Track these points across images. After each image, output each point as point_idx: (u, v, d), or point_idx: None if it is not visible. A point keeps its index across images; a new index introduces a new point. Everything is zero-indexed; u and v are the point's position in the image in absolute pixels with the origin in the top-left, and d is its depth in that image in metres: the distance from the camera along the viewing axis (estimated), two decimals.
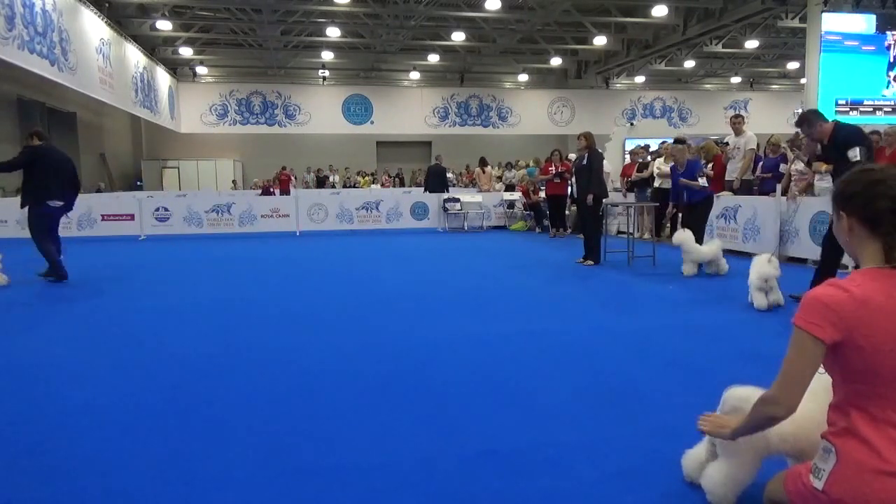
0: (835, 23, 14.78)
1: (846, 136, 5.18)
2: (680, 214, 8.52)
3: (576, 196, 8.59)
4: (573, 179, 8.69)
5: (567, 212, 12.50)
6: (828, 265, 5.25)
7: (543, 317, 5.25)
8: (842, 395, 1.81)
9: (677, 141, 8.94)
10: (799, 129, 5.51)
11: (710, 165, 9.89)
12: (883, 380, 1.73)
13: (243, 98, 28.35)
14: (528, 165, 15.48)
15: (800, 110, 5.79)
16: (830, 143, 5.29)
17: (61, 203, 7.12)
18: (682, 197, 7.78)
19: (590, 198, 8.16)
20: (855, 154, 5.05)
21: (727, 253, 8.31)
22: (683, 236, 7.11)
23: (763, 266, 5.28)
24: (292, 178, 23.71)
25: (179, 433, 2.84)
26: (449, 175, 25.17)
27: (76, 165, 7.64)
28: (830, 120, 5.50)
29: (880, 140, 8.49)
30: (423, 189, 15.94)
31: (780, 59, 27.39)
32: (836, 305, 1.73)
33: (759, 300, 5.30)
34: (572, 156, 13.22)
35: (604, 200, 8.46)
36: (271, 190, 21.02)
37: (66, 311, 5.69)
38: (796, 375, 1.79)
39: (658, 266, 7.77)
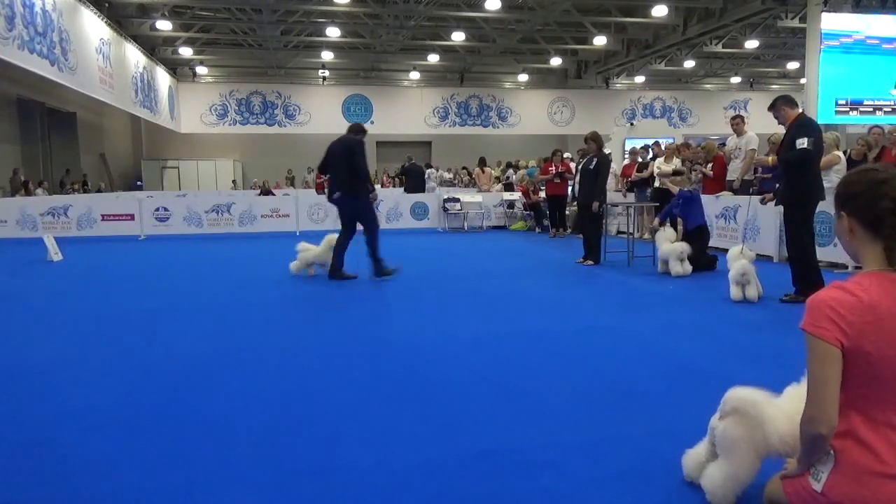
0: (880, 27, 14.85)
1: (801, 124, 5.51)
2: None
3: (577, 197, 8.53)
4: (576, 179, 8.61)
5: (567, 212, 12.50)
6: (809, 265, 5.53)
7: (543, 316, 5.25)
8: (841, 398, 1.77)
9: (676, 173, 8.98)
10: (770, 111, 5.84)
11: (710, 165, 9.91)
12: (885, 383, 1.72)
13: (243, 98, 28.32)
14: (527, 166, 15.49)
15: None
16: (789, 129, 5.59)
17: (339, 194, 6.93)
18: (677, 220, 8.16)
19: (595, 205, 8.06)
20: (802, 143, 5.34)
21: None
22: (659, 233, 7.51)
23: (739, 260, 5.64)
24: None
25: (179, 433, 2.84)
26: (449, 175, 25.27)
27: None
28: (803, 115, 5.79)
29: (882, 136, 8.45)
30: (402, 189, 16.54)
31: (780, 59, 27.37)
32: (844, 309, 1.70)
33: (734, 292, 5.62)
34: (567, 154, 13.24)
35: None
36: (271, 192, 21.00)
37: (65, 310, 5.68)
38: (822, 385, 1.71)
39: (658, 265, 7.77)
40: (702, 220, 7.78)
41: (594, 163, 8.17)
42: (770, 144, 9.53)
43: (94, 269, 8.45)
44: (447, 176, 25.33)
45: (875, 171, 1.79)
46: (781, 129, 6.06)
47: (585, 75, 28.76)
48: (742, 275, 5.56)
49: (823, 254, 7.71)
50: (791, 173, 5.53)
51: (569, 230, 12.31)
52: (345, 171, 6.84)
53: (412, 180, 16.07)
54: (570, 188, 11.40)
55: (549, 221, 12.74)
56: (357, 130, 7.20)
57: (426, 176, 17.29)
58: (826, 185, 7.87)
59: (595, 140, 8.32)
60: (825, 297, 1.74)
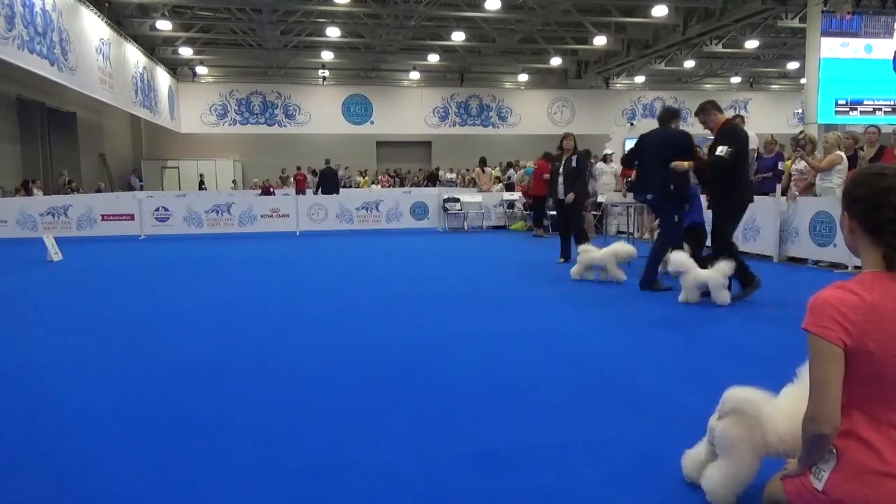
0: None
1: (726, 132, 5.53)
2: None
3: (561, 196, 8.50)
4: (560, 179, 8.57)
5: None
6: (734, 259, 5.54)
7: (542, 316, 5.25)
8: (844, 397, 1.77)
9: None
10: (697, 117, 5.87)
11: None
12: (888, 382, 1.72)
13: (243, 98, 28.36)
14: (525, 166, 15.49)
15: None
16: (717, 134, 5.62)
17: (652, 195, 6.29)
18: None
19: (570, 196, 8.19)
20: (721, 150, 5.38)
21: None
22: (675, 255, 7.35)
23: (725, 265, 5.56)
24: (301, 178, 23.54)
25: (180, 433, 2.84)
26: (451, 176, 25.28)
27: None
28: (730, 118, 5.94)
29: (878, 136, 8.44)
30: (314, 191, 17.68)
31: (780, 59, 27.39)
32: (847, 309, 1.70)
33: (723, 296, 5.51)
34: None
35: (603, 201, 8.45)
36: (271, 191, 20.99)
37: (66, 310, 5.68)
38: (824, 385, 1.72)
39: None
40: (699, 219, 7.68)
41: (575, 161, 8.32)
42: (767, 144, 9.54)
43: (94, 269, 8.45)
44: (449, 175, 25.33)
45: (883, 177, 1.77)
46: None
47: (585, 75, 28.79)
48: (727, 277, 5.52)
49: (823, 254, 7.72)
50: (712, 176, 5.68)
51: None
52: (658, 168, 6.03)
53: (328, 182, 16.99)
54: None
55: (534, 221, 12.71)
56: (669, 117, 6.44)
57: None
58: (826, 184, 7.91)
59: (573, 139, 8.49)
60: (828, 297, 1.74)
